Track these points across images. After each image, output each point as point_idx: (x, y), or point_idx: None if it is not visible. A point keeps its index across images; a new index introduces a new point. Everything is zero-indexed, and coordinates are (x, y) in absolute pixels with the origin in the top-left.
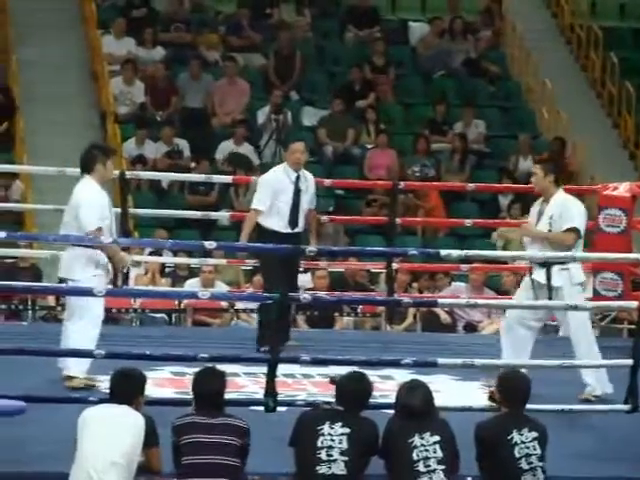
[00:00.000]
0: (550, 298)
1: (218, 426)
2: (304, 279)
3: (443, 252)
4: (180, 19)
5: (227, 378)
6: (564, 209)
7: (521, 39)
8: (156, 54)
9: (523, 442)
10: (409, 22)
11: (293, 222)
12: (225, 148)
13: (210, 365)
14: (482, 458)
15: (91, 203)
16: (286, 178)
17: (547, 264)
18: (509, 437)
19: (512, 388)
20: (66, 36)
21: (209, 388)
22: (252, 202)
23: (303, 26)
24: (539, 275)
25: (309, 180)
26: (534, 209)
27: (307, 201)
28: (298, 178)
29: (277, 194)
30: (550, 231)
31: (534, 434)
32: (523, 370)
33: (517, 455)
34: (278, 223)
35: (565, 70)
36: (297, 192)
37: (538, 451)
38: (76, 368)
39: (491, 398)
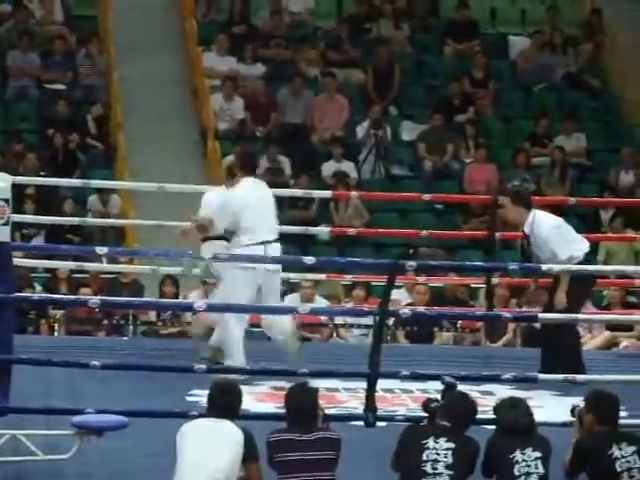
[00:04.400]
0: None
1: (313, 442)
2: (401, 294)
3: (544, 267)
4: (279, 35)
5: (323, 393)
6: None
7: (622, 52)
8: (256, 70)
9: (623, 456)
10: (509, 36)
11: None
12: (329, 167)
13: (303, 381)
14: (580, 472)
15: None
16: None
17: None
18: (610, 452)
19: (605, 408)
20: (167, 53)
21: (302, 404)
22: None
23: (401, 40)
24: None
25: (535, 231)
26: None
27: (536, 254)
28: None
29: None
30: None
31: (633, 447)
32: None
33: (618, 469)
34: None
35: None
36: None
37: (639, 464)
38: None
39: (579, 418)
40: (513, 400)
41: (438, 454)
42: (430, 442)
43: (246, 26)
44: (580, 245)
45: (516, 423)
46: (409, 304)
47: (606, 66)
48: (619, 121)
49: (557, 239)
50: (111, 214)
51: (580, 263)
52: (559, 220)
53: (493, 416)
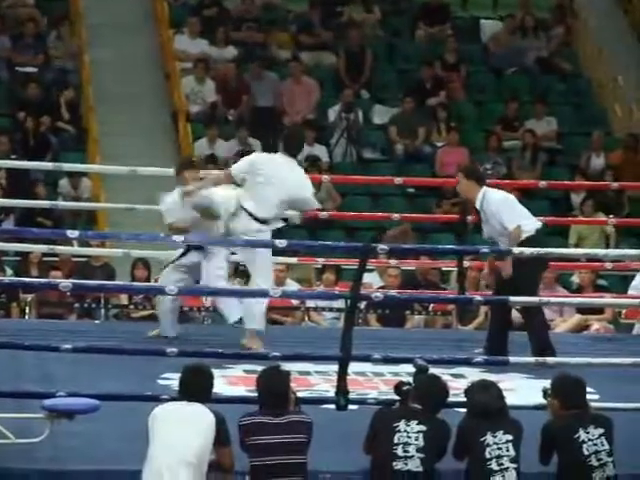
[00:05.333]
0: None
1: (285, 425)
2: (372, 278)
3: (515, 250)
4: (251, 18)
5: (295, 376)
6: None
7: (593, 36)
8: (228, 53)
9: (590, 439)
10: (480, 19)
11: None
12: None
13: (275, 364)
14: (550, 456)
15: None
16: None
17: None
18: (576, 436)
19: (570, 392)
20: (138, 36)
21: (273, 387)
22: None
23: (372, 23)
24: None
25: (484, 206)
26: None
27: (487, 231)
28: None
29: None
30: None
31: (600, 430)
32: None
33: (586, 453)
34: None
35: (637, 67)
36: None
37: (606, 447)
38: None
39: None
40: (484, 383)
41: (409, 437)
42: (401, 425)
43: (218, 9)
44: (530, 221)
45: (487, 406)
46: (381, 287)
47: (577, 50)
48: (590, 105)
49: (505, 210)
50: (82, 198)
51: (532, 240)
52: (509, 195)
53: (465, 399)
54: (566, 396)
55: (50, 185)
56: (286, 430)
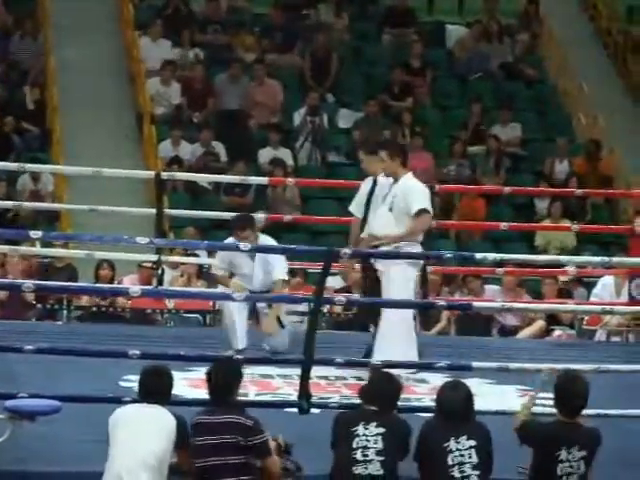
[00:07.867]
0: None
1: (219, 425)
2: (335, 281)
3: (478, 255)
4: (216, 20)
5: (258, 379)
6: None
7: (558, 42)
8: (193, 55)
9: (569, 460)
10: (446, 24)
11: None
12: (265, 154)
13: (228, 356)
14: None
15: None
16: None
17: None
18: (557, 453)
19: (563, 392)
20: (104, 37)
21: (218, 378)
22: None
23: (339, 28)
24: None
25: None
26: None
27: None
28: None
29: None
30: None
31: (582, 453)
32: None
33: (559, 473)
34: None
35: (602, 74)
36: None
37: (582, 470)
38: None
39: None
40: (454, 383)
41: (368, 440)
42: (360, 428)
43: (183, 11)
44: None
45: (453, 403)
46: (342, 289)
47: (542, 56)
48: (554, 111)
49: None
50: (42, 191)
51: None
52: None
53: (426, 404)
54: (558, 395)
55: (12, 185)
56: (219, 431)
